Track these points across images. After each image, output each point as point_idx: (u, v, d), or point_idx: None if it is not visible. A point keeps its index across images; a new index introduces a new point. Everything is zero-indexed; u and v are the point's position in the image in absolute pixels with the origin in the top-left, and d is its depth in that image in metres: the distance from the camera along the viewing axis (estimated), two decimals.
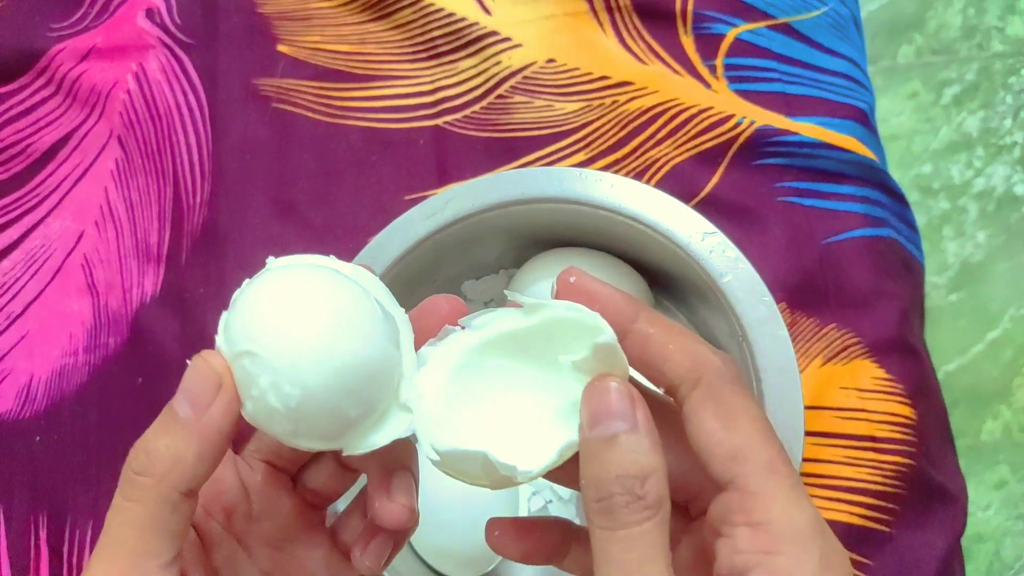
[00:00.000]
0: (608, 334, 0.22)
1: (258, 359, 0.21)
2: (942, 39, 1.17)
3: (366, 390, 0.22)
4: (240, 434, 0.23)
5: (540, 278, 0.41)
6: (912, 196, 1.06)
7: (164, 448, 0.21)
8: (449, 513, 0.38)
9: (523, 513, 0.42)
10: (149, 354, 0.46)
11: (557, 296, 0.24)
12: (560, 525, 0.27)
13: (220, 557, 0.25)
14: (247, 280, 0.23)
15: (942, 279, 1.07)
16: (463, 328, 0.24)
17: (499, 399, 0.24)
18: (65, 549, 0.43)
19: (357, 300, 0.22)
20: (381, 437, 0.23)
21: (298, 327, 0.21)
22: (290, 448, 0.24)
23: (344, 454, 0.23)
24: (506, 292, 0.25)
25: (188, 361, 0.22)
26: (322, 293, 0.22)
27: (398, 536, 0.26)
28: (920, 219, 1.08)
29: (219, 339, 0.22)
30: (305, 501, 0.27)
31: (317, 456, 0.27)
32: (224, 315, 0.23)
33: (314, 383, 0.21)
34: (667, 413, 0.23)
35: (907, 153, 1.12)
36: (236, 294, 0.23)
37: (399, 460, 0.25)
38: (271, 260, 0.24)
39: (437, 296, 0.25)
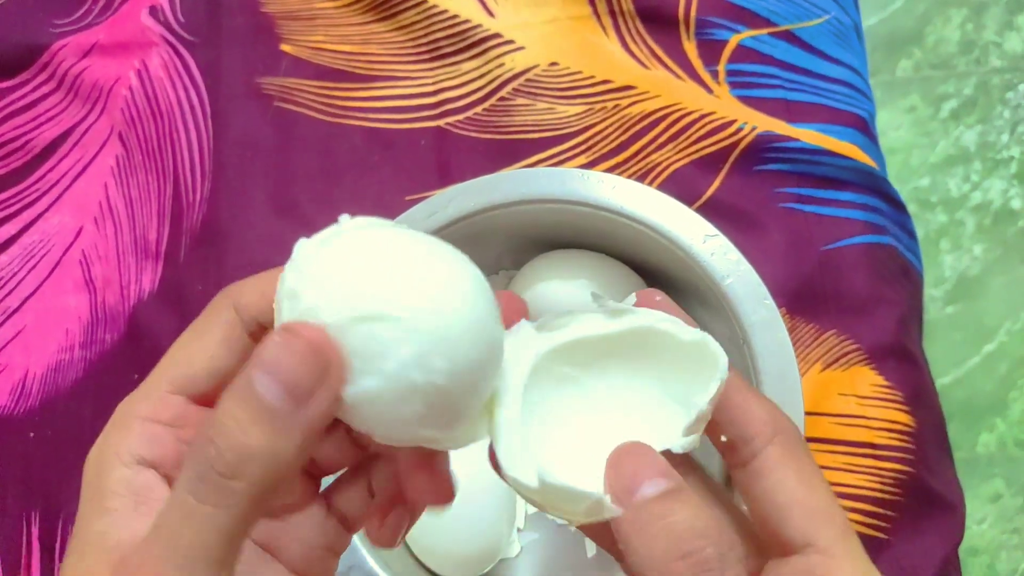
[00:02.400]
0: (724, 365, 0.21)
1: (399, 323, 0.17)
2: (940, 54, 1.17)
3: (494, 373, 0.19)
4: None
5: (540, 279, 0.41)
6: (909, 209, 1.07)
7: (258, 446, 0.17)
8: (446, 514, 0.38)
9: (520, 516, 0.42)
10: (146, 351, 0.45)
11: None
12: None
13: None
14: (313, 237, 0.19)
15: (939, 292, 1.07)
16: (535, 327, 0.22)
17: (579, 416, 0.22)
18: (57, 546, 0.43)
19: (477, 273, 0.19)
20: (478, 432, 0.20)
21: (446, 288, 0.17)
22: None
23: (449, 448, 0.21)
24: (592, 294, 0.22)
25: (273, 337, 0.18)
26: (453, 256, 0.18)
27: (420, 510, 0.24)
28: (917, 232, 1.08)
29: (290, 305, 0.18)
30: (303, 470, 0.25)
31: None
32: (291, 276, 0.18)
33: (465, 357, 0.17)
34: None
35: (905, 166, 1.13)
36: (305, 251, 0.19)
37: None
38: (345, 218, 0.20)
39: (503, 291, 0.23)
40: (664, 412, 0.22)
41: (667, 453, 0.21)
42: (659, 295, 0.23)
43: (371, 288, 0.17)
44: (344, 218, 0.20)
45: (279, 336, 0.18)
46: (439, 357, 0.17)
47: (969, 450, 0.99)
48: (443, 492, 0.23)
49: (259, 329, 0.22)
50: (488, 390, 0.20)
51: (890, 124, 1.13)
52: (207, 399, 0.22)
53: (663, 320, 0.21)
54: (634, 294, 0.23)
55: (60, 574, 0.20)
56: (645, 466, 0.20)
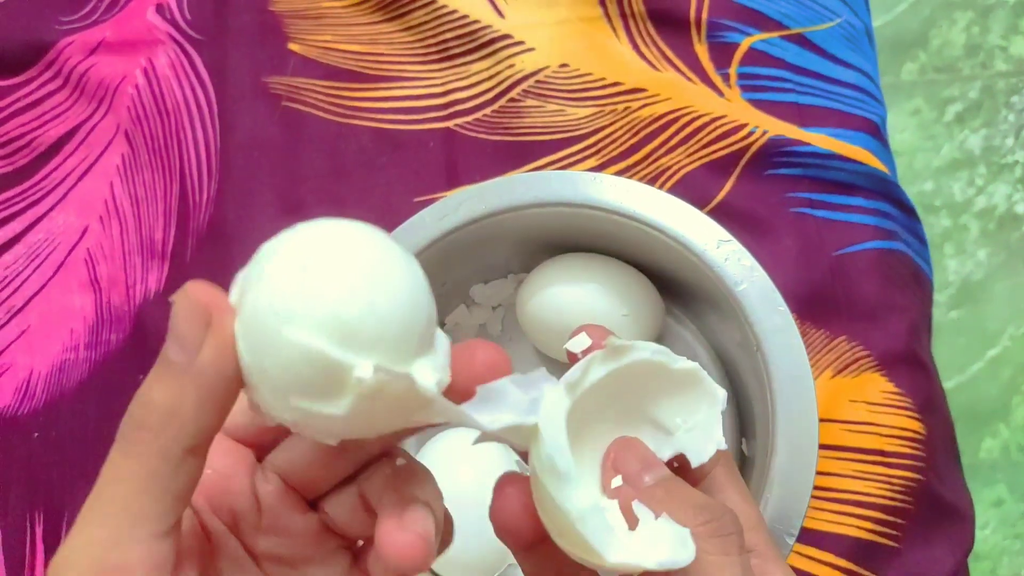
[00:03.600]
0: (722, 396, 0.24)
1: (283, 295, 0.18)
2: (945, 57, 1.17)
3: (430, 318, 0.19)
4: (262, 444, 0.22)
5: (549, 283, 0.41)
6: None
7: (160, 398, 0.19)
8: (457, 517, 0.38)
9: None
10: (151, 351, 0.45)
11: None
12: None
13: (226, 560, 0.22)
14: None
15: (942, 296, 1.07)
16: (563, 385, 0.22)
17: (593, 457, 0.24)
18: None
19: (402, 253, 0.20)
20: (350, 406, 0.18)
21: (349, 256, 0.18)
22: (308, 466, 0.22)
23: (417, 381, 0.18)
24: (609, 341, 0.22)
25: (171, 299, 0.19)
26: (368, 234, 0.19)
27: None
28: None
29: (233, 293, 0.19)
30: (324, 525, 0.23)
31: (338, 488, 0.23)
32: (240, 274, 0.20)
33: (335, 318, 0.17)
34: None
35: (909, 170, 1.12)
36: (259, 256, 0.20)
37: (415, 491, 0.21)
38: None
39: (478, 341, 0.22)
40: (662, 443, 0.24)
41: None
42: (602, 328, 0.25)
43: (271, 269, 0.18)
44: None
45: (174, 298, 0.19)
46: (312, 319, 0.17)
47: (972, 455, 0.99)
48: (408, 546, 0.20)
49: None
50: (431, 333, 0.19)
51: (894, 127, 1.13)
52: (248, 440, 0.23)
53: (658, 353, 0.23)
54: (583, 333, 0.24)
55: None
56: (639, 456, 0.23)
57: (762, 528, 0.24)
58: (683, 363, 0.23)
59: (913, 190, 1.10)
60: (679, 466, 0.24)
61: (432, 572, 0.39)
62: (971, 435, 0.99)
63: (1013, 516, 0.98)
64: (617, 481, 0.23)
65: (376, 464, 0.23)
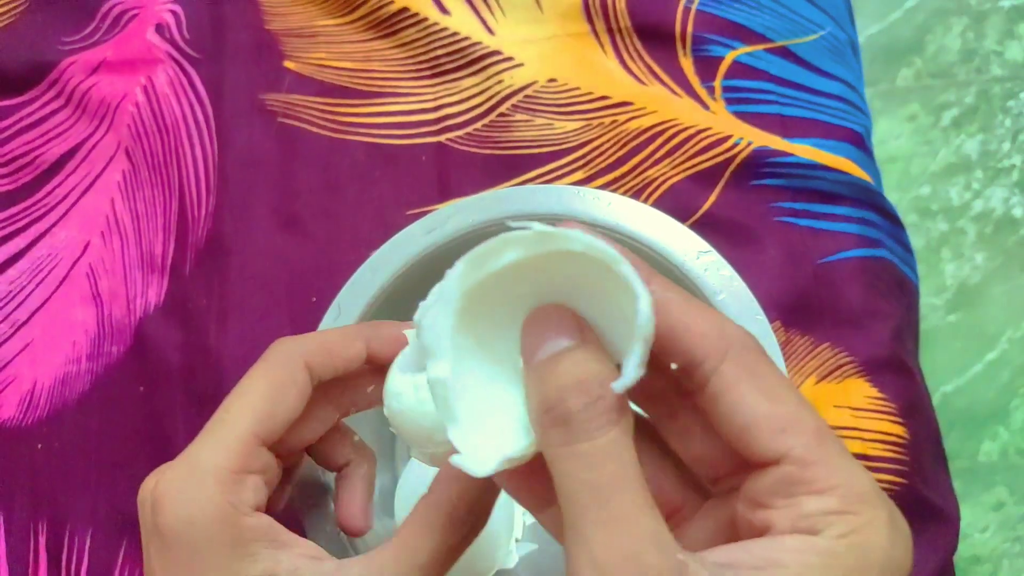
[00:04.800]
0: (645, 297, 0.18)
1: None
2: (941, 63, 1.18)
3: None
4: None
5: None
6: (910, 218, 1.07)
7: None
8: None
9: (518, 526, 0.42)
10: (151, 363, 0.46)
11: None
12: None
13: None
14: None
15: (940, 300, 1.07)
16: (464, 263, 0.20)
17: (507, 359, 0.21)
18: (64, 556, 0.44)
19: None
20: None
21: None
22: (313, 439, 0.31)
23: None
24: (535, 224, 0.20)
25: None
26: None
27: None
28: (918, 241, 1.09)
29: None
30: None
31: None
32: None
33: None
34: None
35: (905, 175, 1.13)
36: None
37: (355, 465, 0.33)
38: None
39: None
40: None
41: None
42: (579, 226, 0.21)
43: None
44: None
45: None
46: None
47: (971, 459, 1.00)
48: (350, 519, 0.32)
49: (317, 379, 0.29)
50: None
51: (890, 133, 1.14)
52: (276, 446, 0.28)
53: (593, 245, 0.19)
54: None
55: None
56: (550, 326, 0.20)
57: (799, 428, 0.20)
58: (623, 267, 0.19)
59: (909, 195, 1.11)
60: (680, 368, 0.21)
61: None
62: (970, 438, 1.00)
63: (1013, 519, 0.98)
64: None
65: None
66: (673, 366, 0.21)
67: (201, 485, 0.25)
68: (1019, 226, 1.09)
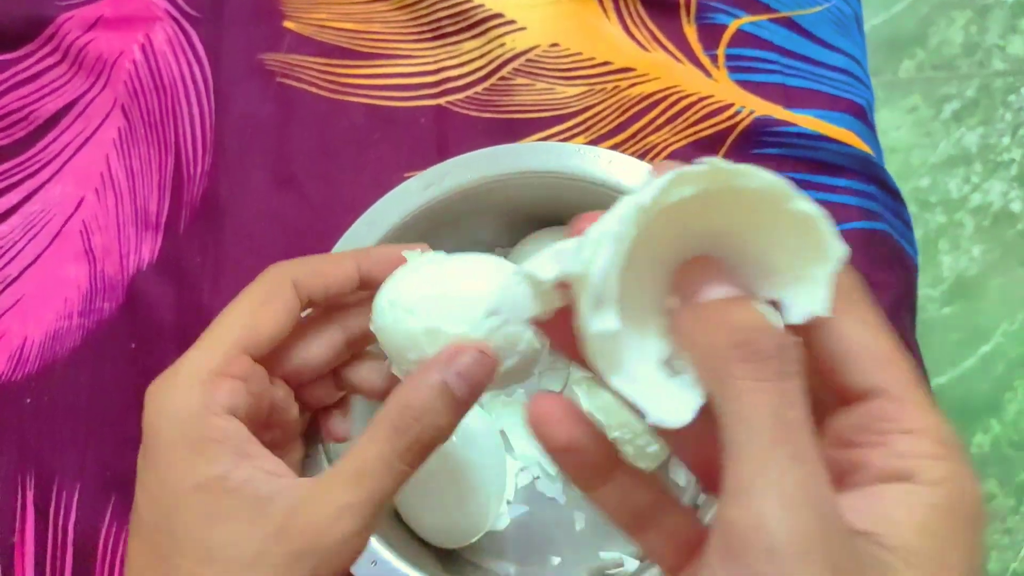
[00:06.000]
0: (839, 255, 0.19)
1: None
2: (943, 55, 1.18)
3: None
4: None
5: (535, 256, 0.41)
6: (909, 209, 1.07)
7: (447, 424, 0.27)
8: (437, 482, 0.38)
9: (510, 489, 0.42)
10: (143, 320, 0.46)
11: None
12: (607, 444, 0.24)
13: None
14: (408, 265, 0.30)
15: (936, 292, 1.07)
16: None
17: (642, 302, 0.20)
18: (51, 510, 0.43)
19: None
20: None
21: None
22: (309, 370, 0.32)
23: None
24: (709, 159, 0.19)
25: (464, 354, 0.26)
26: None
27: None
28: (916, 232, 1.08)
29: (407, 318, 0.27)
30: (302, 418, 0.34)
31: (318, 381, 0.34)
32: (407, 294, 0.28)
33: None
34: None
35: (905, 166, 1.13)
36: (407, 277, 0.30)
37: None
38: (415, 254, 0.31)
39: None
40: (767, 291, 0.20)
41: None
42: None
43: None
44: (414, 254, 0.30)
45: (469, 356, 0.26)
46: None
47: None
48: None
49: (309, 304, 0.31)
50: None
51: (891, 124, 1.13)
52: (263, 359, 0.29)
53: (771, 180, 0.19)
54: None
55: (180, 515, 0.26)
56: (712, 274, 0.20)
57: (898, 366, 0.20)
58: (802, 203, 0.19)
59: (909, 186, 1.11)
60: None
61: (412, 533, 0.39)
62: (963, 430, 1.00)
63: (1003, 511, 0.98)
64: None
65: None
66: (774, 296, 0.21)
67: (178, 384, 0.27)
68: (1017, 220, 1.09)
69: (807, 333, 0.20)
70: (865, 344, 0.20)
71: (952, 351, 1.05)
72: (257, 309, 0.29)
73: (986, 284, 1.08)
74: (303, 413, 0.34)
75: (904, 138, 1.14)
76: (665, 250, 0.20)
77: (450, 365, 0.26)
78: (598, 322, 0.19)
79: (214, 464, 0.26)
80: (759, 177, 0.19)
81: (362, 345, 0.33)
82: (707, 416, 0.19)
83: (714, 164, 0.19)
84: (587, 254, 0.19)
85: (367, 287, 0.31)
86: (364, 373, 0.34)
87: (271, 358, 0.30)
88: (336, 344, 0.32)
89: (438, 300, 0.27)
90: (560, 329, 0.22)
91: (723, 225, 0.20)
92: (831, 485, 0.18)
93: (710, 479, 0.20)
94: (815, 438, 0.18)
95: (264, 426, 0.30)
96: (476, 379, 0.26)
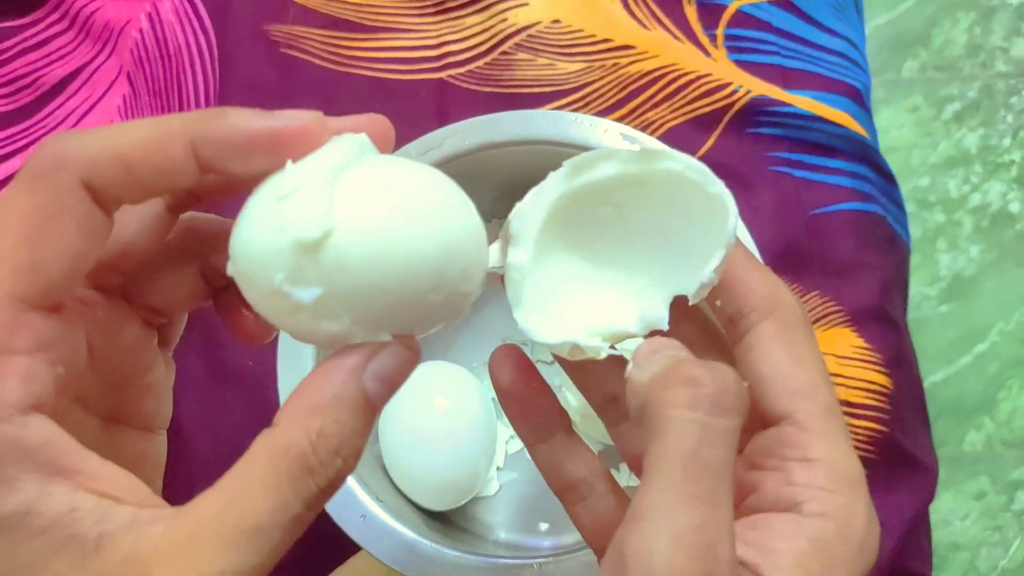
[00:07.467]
0: (732, 232, 0.20)
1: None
2: (946, 56, 1.18)
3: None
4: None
5: None
6: (908, 208, 1.08)
7: (360, 438, 0.19)
8: (427, 443, 0.39)
9: (500, 455, 0.43)
10: None
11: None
12: (554, 403, 0.25)
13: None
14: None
15: (933, 290, 1.08)
16: (567, 169, 0.22)
17: (596, 258, 0.23)
18: None
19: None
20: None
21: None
22: (121, 256, 0.21)
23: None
24: (644, 146, 0.23)
25: (386, 354, 0.19)
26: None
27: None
28: (915, 231, 1.09)
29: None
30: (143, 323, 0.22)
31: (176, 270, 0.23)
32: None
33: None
34: None
35: (905, 165, 1.13)
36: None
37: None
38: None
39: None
40: (676, 265, 0.22)
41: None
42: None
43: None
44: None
45: (390, 357, 0.19)
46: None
47: (956, 447, 1.00)
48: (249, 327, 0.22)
49: (116, 203, 0.19)
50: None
51: (892, 123, 1.14)
52: (63, 302, 0.19)
53: (694, 169, 0.21)
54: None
55: None
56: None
57: (811, 396, 0.20)
58: (717, 188, 0.21)
59: (908, 185, 1.11)
60: (730, 320, 0.22)
61: (401, 494, 0.40)
62: (956, 428, 1.00)
63: (994, 508, 0.99)
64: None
65: None
66: (718, 303, 0.22)
67: None
68: (1015, 221, 1.10)
69: (740, 356, 0.22)
70: (785, 372, 0.21)
71: (947, 349, 1.05)
72: (34, 235, 0.18)
73: (983, 284, 1.08)
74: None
75: (905, 137, 1.15)
76: (604, 219, 0.23)
77: (367, 365, 0.19)
78: (512, 254, 0.22)
79: (11, 493, 0.17)
80: (682, 161, 0.21)
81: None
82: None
83: (645, 147, 0.21)
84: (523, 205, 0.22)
85: (211, 171, 0.20)
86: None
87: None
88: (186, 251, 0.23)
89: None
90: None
91: (652, 206, 0.22)
92: (731, 531, 0.18)
93: None
94: (730, 481, 0.18)
95: (106, 390, 0.21)
96: (399, 380, 0.19)
